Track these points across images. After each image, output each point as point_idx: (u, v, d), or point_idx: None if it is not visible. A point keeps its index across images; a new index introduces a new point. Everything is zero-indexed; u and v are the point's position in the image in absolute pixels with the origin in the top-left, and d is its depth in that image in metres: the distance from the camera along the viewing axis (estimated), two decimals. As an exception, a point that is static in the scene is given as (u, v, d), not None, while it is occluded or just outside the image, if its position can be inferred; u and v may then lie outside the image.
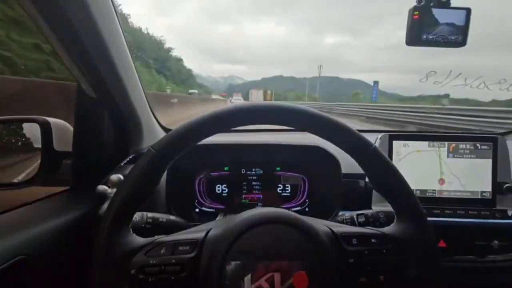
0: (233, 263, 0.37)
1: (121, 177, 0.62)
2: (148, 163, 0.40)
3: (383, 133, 0.72)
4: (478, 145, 0.69)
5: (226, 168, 0.84)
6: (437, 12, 0.62)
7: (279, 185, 0.84)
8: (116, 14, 0.62)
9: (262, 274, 0.36)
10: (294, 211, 0.82)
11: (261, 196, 0.84)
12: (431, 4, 0.62)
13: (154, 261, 0.37)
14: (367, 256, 0.40)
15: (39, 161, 0.70)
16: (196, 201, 0.82)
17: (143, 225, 0.53)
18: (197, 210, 0.82)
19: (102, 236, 0.37)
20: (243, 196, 0.84)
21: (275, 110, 0.43)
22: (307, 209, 0.83)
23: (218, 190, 0.83)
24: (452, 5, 0.63)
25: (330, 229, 0.42)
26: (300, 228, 0.39)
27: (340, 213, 0.67)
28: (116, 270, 0.37)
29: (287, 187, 0.84)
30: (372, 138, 0.74)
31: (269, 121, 0.44)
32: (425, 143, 0.70)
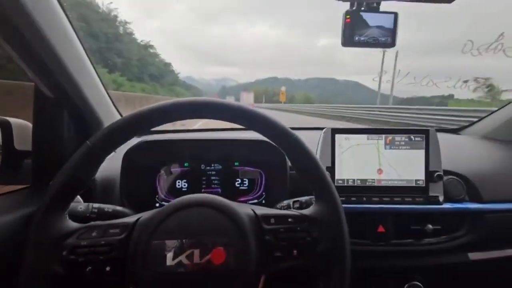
0: (157, 242, 0.41)
1: None
2: (83, 156, 0.44)
3: (326, 128, 0.77)
4: (412, 137, 0.76)
5: (186, 164, 0.88)
6: (367, 16, 0.67)
7: (237, 179, 0.88)
8: (63, 10, 0.65)
9: (183, 250, 0.41)
10: (252, 203, 0.87)
11: (219, 190, 0.88)
12: (362, 8, 0.68)
13: (85, 243, 0.41)
14: (283, 233, 0.44)
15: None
16: (157, 196, 0.86)
17: (87, 215, 0.57)
18: (157, 205, 0.85)
19: (36, 220, 0.41)
20: (202, 190, 0.88)
21: (204, 105, 0.47)
22: (263, 201, 0.87)
23: (178, 185, 0.87)
24: (383, 9, 0.69)
25: (254, 211, 0.47)
26: (221, 210, 0.44)
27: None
28: (48, 253, 0.40)
29: (245, 181, 0.88)
30: (319, 134, 0.80)
31: (199, 115, 0.48)
32: (365, 136, 0.76)
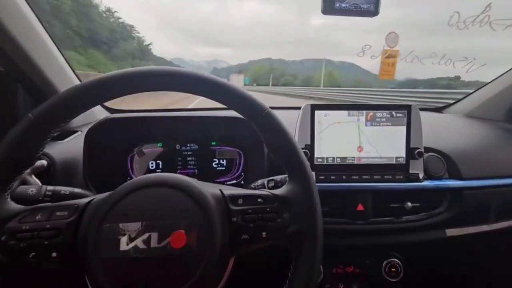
0: (109, 225, 0.37)
1: None
2: (24, 129, 0.38)
3: (305, 104, 0.73)
4: (393, 113, 0.73)
5: (159, 144, 0.83)
6: (349, -20, 0.62)
7: (215, 159, 0.85)
8: None
9: (139, 234, 0.36)
10: (230, 184, 0.83)
11: (195, 171, 0.84)
12: (343, -28, 0.62)
13: (27, 227, 0.37)
14: (250, 214, 0.41)
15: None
16: (129, 178, 0.81)
17: (40, 199, 0.51)
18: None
19: None
20: (178, 172, 0.83)
21: (167, 74, 0.42)
22: (242, 182, 0.84)
23: (152, 166, 0.83)
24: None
25: (221, 191, 0.43)
26: (182, 190, 0.40)
27: None
28: None
29: (223, 161, 0.85)
30: (295, 114, 0.76)
31: (162, 86, 0.43)
32: (345, 112, 0.72)
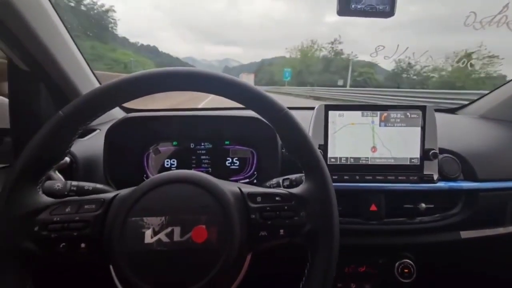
0: (134, 219, 0.39)
1: None
2: (54, 126, 0.40)
3: (319, 104, 0.74)
4: (408, 114, 0.73)
5: (174, 143, 0.85)
6: (365, -19, 0.63)
7: (228, 158, 0.86)
8: None
9: (162, 228, 0.38)
10: (243, 183, 0.85)
11: (210, 169, 0.86)
12: (359, -27, 0.63)
13: (58, 218, 0.39)
14: (269, 211, 0.42)
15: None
16: (145, 175, 0.83)
17: (65, 193, 0.54)
18: (144, 181, 0.83)
19: (4, 195, 0.38)
20: (192, 170, 0.85)
21: (190, 75, 0.44)
22: (255, 181, 0.85)
23: (167, 164, 0.85)
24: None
25: (240, 189, 0.44)
26: (203, 187, 0.41)
27: None
28: (18, 228, 0.38)
29: (236, 160, 0.86)
30: (309, 114, 0.77)
31: (185, 86, 0.44)
32: (359, 113, 0.73)
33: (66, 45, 0.72)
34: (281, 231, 0.41)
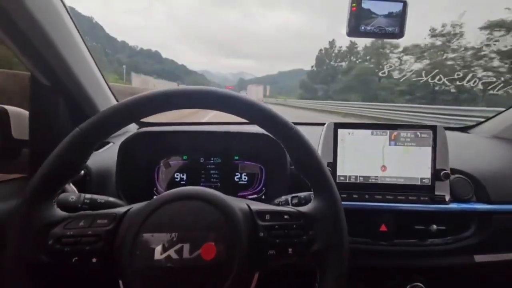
0: (145, 235, 0.39)
1: None
2: (72, 141, 0.42)
3: (328, 122, 0.74)
4: (418, 133, 0.72)
5: (184, 157, 0.86)
6: (374, 4, 0.64)
7: (237, 173, 0.87)
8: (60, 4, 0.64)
9: (172, 244, 0.39)
10: (251, 199, 0.85)
11: (218, 184, 0.86)
12: (369, -4, 0.64)
13: (71, 232, 0.40)
14: (277, 230, 0.42)
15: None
16: (155, 189, 0.84)
17: (79, 206, 0.55)
18: (155, 197, 0.84)
19: (21, 208, 0.39)
20: (201, 184, 0.86)
21: (201, 94, 0.45)
22: (263, 197, 0.85)
23: (177, 178, 0.86)
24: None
25: (249, 206, 0.45)
26: (213, 203, 0.42)
27: None
28: (33, 241, 0.39)
29: (245, 175, 0.87)
30: (318, 130, 0.77)
31: (197, 105, 0.46)
32: (369, 131, 0.73)
33: (86, 61, 0.76)
34: (290, 250, 0.41)
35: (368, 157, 0.73)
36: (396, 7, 0.65)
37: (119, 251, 0.39)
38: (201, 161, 0.86)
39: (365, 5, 0.64)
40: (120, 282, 0.41)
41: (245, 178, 0.86)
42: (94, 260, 0.39)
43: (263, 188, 0.86)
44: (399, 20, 0.65)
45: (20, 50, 0.60)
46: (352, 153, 0.73)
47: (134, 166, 0.77)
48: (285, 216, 0.44)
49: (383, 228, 0.71)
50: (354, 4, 0.64)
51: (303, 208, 0.45)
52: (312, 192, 0.47)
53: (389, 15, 0.65)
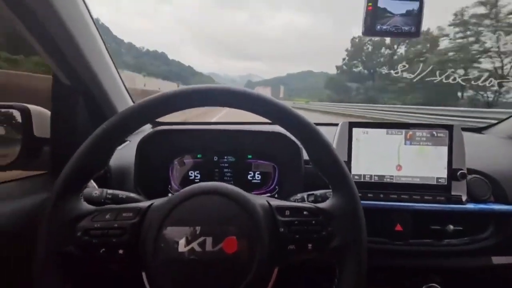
0: (169, 228, 0.40)
1: None
2: (98, 138, 0.44)
3: (343, 121, 0.74)
4: (434, 132, 0.72)
5: (199, 155, 0.88)
6: (390, 3, 0.64)
7: (250, 172, 0.87)
8: (82, 4, 0.66)
9: (195, 238, 0.40)
10: None
11: (232, 183, 0.87)
12: (385, -6, 0.64)
13: (98, 225, 0.41)
14: (297, 225, 0.43)
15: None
16: (169, 186, 0.86)
17: (102, 200, 0.57)
18: (170, 195, 0.85)
19: (51, 201, 0.41)
20: None
21: (222, 92, 0.46)
22: (276, 196, 0.86)
23: (191, 176, 0.87)
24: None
25: (268, 202, 0.46)
26: (235, 199, 0.43)
27: None
28: (63, 233, 0.40)
29: (258, 174, 0.87)
30: (333, 130, 0.77)
31: (215, 102, 0.47)
32: (384, 130, 0.73)
33: (106, 62, 0.78)
34: (309, 245, 0.42)
35: (383, 156, 0.73)
36: (413, 6, 0.65)
37: (144, 243, 0.40)
38: (214, 159, 0.87)
39: (381, 4, 0.64)
40: (144, 274, 0.42)
41: (258, 177, 0.87)
42: (120, 251, 0.40)
43: (276, 187, 0.86)
44: (415, 19, 0.65)
45: (44, 49, 0.62)
46: (367, 152, 0.73)
47: (150, 163, 0.78)
48: (305, 212, 0.44)
49: (398, 227, 0.71)
50: (370, 3, 0.64)
51: (321, 205, 0.46)
52: (327, 190, 0.48)
53: (406, 14, 0.65)
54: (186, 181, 0.86)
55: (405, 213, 0.71)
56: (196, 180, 0.87)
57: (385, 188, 0.72)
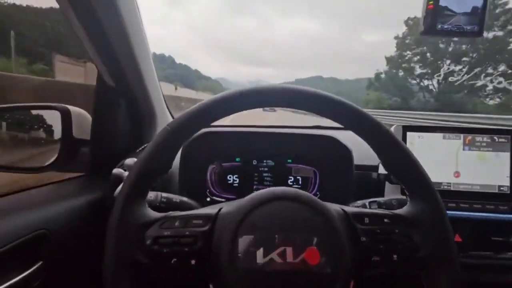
0: (245, 236, 0.37)
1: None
2: (163, 139, 0.41)
3: (396, 125, 0.71)
4: (495, 138, 0.68)
5: (237, 159, 0.85)
6: (452, 1, 0.61)
7: (290, 177, 0.84)
8: (137, 6, 0.65)
9: (274, 247, 0.36)
10: None
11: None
12: (447, -8, 0.61)
13: (169, 233, 0.38)
14: (380, 235, 0.39)
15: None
16: (208, 190, 0.83)
17: (157, 204, 0.54)
18: (208, 199, 0.83)
19: (118, 207, 0.38)
20: (254, 187, 0.84)
21: (292, 93, 0.43)
22: None
23: (229, 180, 0.84)
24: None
25: (342, 209, 0.42)
26: (311, 205, 0.40)
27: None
28: (131, 241, 0.38)
29: (298, 179, 0.84)
30: None
31: (286, 104, 0.44)
32: (440, 135, 0.69)
33: (152, 69, 0.77)
34: (394, 256, 0.38)
35: (440, 162, 0.69)
36: (476, 3, 0.61)
37: (217, 253, 0.37)
38: (254, 163, 0.85)
39: (442, 2, 0.61)
40: (211, 286, 0.39)
41: (298, 182, 0.84)
42: (193, 262, 0.37)
43: (317, 193, 0.83)
44: (478, 17, 0.62)
45: (96, 48, 0.61)
46: (422, 158, 0.67)
47: (192, 166, 0.76)
48: (385, 220, 0.41)
49: (457, 238, 0.66)
50: (431, 2, 0.61)
51: (400, 211, 0.43)
52: (392, 198, 0.44)
53: (468, 12, 0.62)
54: (224, 185, 0.84)
55: (465, 223, 0.67)
56: (235, 185, 0.84)
57: (443, 196, 0.67)
